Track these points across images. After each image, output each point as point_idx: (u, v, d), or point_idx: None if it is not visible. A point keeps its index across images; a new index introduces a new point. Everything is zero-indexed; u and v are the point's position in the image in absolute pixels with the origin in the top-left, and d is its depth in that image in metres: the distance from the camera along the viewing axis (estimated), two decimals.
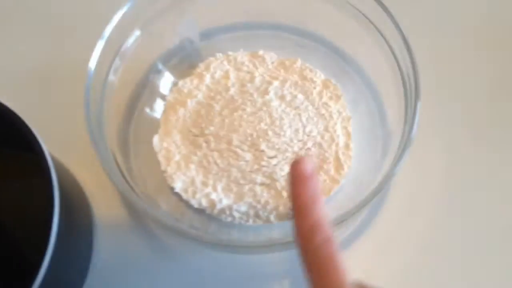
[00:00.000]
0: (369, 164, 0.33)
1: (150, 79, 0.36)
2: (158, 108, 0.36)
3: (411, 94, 0.31)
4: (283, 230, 0.32)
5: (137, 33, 0.33)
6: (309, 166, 0.23)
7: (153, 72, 0.36)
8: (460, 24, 0.40)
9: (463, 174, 0.35)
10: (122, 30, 0.32)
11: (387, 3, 0.32)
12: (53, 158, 0.27)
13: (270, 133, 0.33)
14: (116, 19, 0.31)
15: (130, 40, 0.33)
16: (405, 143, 0.29)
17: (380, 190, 0.28)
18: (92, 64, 0.30)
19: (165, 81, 0.37)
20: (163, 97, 0.36)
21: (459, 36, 0.40)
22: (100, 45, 0.30)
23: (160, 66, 0.36)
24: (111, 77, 0.32)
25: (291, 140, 0.33)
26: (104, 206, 0.34)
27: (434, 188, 0.35)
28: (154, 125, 0.35)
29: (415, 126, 0.29)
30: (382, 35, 0.33)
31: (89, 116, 0.28)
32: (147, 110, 0.35)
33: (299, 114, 0.35)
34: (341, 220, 0.27)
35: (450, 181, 0.35)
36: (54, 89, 0.37)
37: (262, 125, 0.34)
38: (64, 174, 0.30)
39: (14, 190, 0.33)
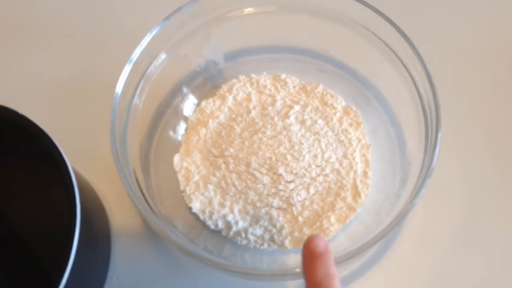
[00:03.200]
0: (387, 193, 0.33)
1: (174, 101, 0.37)
2: (180, 129, 0.37)
3: (432, 125, 0.31)
4: (298, 257, 0.32)
5: (163, 56, 0.34)
6: (322, 242, 0.23)
7: (177, 94, 0.37)
8: (482, 52, 0.40)
9: (482, 205, 0.35)
10: (149, 53, 0.33)
11: (408, 32, 0.32)
12: (75, 172, 0.28)
13: (288, 157, 0.34)
14: (145, 43, 0.32)
15: (156, 63, 0.34)
16: (425, 174, 0.29)
17: (400, 221, 0.28)
18: (119, 87, 0.30)
19: (189, 103, 0.37)
20: (185, 118, 0.37)
21: (480, 64, 0.40)
22: (127, 69, 0.31)
23: (185, 90, 0.37)
24: (136, 98, 0.33)
25: (309, 166, 0.34)
26: (122, 220, 0.35)
27: (451, 219, 0.34)
28: (175, 145, 0.36)
29: (435, 157, 0.29)
30: (403, 64, 0.33)
31: (114, 137, 0.29)
32: (170, 129, 0.36)
33: (319, 140, 0.35)
34: (358, 252, 0.27)
35: (468, 212, 0.34)
36: (80, 104, 0.39)
37: (281, 149, 0.34)
38: (85, 188, 0.31)
39: (35, 202, 0.34)
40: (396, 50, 0.33)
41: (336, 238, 0.32)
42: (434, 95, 0.30)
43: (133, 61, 0.31)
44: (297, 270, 0.26)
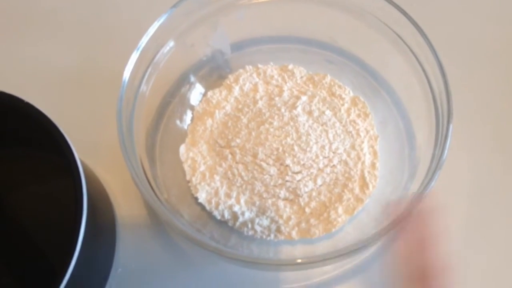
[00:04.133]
0: (395, 185, 0.32)
1: (181, 90, 0.36)
2: (187, 118, 0.36)
3: (443, 116, 0.30)
4: (305, 248, 0.32)
5: (171, 44, 0.34)
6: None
7: (184, 83, 0.36)
8: (494, 45, 0.40)
9: (490, 199, 0.34)
10: (157, 41, 0.33)
11: (420, 23, 0.31)
12: (82, 163, 0.28)
13: (296, 148, 0.33)
14: (152, 30, 0.31)
15: (164, 51, 0.34)
16: (435, 167, 0.29)
17: (409, 214, 0.27)
18: (126, 74, 0.30)
19: (195, 93, 0.37)
20: (192, 108, 0.37)
21: (492, 57, 0.39)
22: (135, 56, 0.31)
23: (192, 78, 0.37)
24: (143, 86, 0.33)
25: (317, 156, 0.33)
26: (127, 211, 0.35)
27: (458, 213, 0.34)
28: (181, 134, 0.36)
29: (446, 149, 0.29)
30: (414, 55, 0.33)
31: (121, 125, 0.28)
32: (176, 119, 0.36)
33: (326, 131, 0.34)
34: (367, 244, 0.26)
35: (476, 205, 0.34)
36: (86, 93, 0.38)
37: (288, 139, 0.34)
38: (91, 178, 0.31)
39: (41, 192, 0.34)
40: (406, 40, 0.33)
41: (343, 229, 0.32)
42: (446, 86, 0.30)
43: (140, 49, 0.31)
44: (299, 260, 0.25)
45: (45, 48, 0.40)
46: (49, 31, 0.41)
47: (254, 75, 0.37)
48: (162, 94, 0.35)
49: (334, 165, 0.33)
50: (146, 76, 0.33)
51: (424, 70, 0.32)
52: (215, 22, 0.36)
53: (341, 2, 0.35)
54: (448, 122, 0.29)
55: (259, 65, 0.38)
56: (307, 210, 0.32)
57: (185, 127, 0.36)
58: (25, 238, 0.33)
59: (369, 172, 0.33)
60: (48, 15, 0.42)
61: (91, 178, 0.31)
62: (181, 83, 0.36)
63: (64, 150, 0.27)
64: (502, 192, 0.35)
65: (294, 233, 0.32)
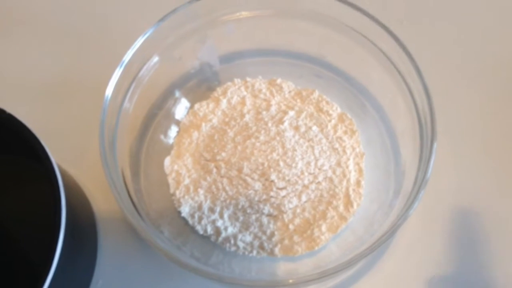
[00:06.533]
0: (380, 203, 0.32)
1: (166, 105, 0.36)
2: (171, 132, 0.36)
3: (427, 135, 0.30)
4: (287, 265, 0.31)
5: (155, 58, 0.34)
6: None
7: (169, 97, 0.36)
8: (479, 63, 0.40)
9: (475, 217, 0.34)
10: (142, 55, 0.32)
11: (406, 41, 0.32)
12: (61, 170, 0.28)
13: (281, 164, 0.33)
14: (137, 45, 0.31)
15: (149, 65, 0.33)
16: (419, 185, 0.28)
17: (392, 234, 0.27)
18: (109, 90, 0.30)
19: (180, 107, 0.37)
20: (177, 121, 0.36)
21: (477, 75, 0.39)
22: (118, 72, 0.30)
23: (177, 93, 0.36)
24: (127, 100, 0.32)
25: (302, 173, 0.33)
26: (110, 222, 0.34)
27: (443, 230, 0.34)
28: (166, 148, 0.35)
29: (430, 168, 0.29)
30: (400, 73, 0.33)
31: (103, 139, 0.28)
32: (161, 132, 0.36)
33: (312, 147, 0.34)
34: (348, 265, 0.26)
35: (461, 223, 0.34)
36: (69, 103, 0.38)
37: (274, 155, 0.33)
38: (71, 186, 0.30)
39: (20, 200, 0.33)
40: (392, 59, 0.33)
41: (327, 247, 0.32)
42: (430, 106, 0.30)
43: (124, 64, 0.31)
44: (290, 281, 0.25)
45: (29, 58, 0.40)
46: (32, 40, 0.41)
47: (242, 88, 0.37)
48: (147, 108, 0.35)
49: (319, 182, 0.33)
50: (130, 91, 0.32)
51: (409, 89, 0.32)
52: (204, 35, 0.36)
53: (330, 19, 0.35)
54: (432, 142, 0.29)
55: (248, 79, 0.38)
56: (291, 226, 0.32)
57: (170, 140, 0.36)
58: (3, 247, 0.32)
59: (354, 190, 0.33)
60: (32, 25, 0.41)
61: (71, 185, 0.31)
62: (167, 97, 0.36)
63: (42, 157, 0.27)
64: (487, 208, 0.34)
65: (276, 250, 0.31)
